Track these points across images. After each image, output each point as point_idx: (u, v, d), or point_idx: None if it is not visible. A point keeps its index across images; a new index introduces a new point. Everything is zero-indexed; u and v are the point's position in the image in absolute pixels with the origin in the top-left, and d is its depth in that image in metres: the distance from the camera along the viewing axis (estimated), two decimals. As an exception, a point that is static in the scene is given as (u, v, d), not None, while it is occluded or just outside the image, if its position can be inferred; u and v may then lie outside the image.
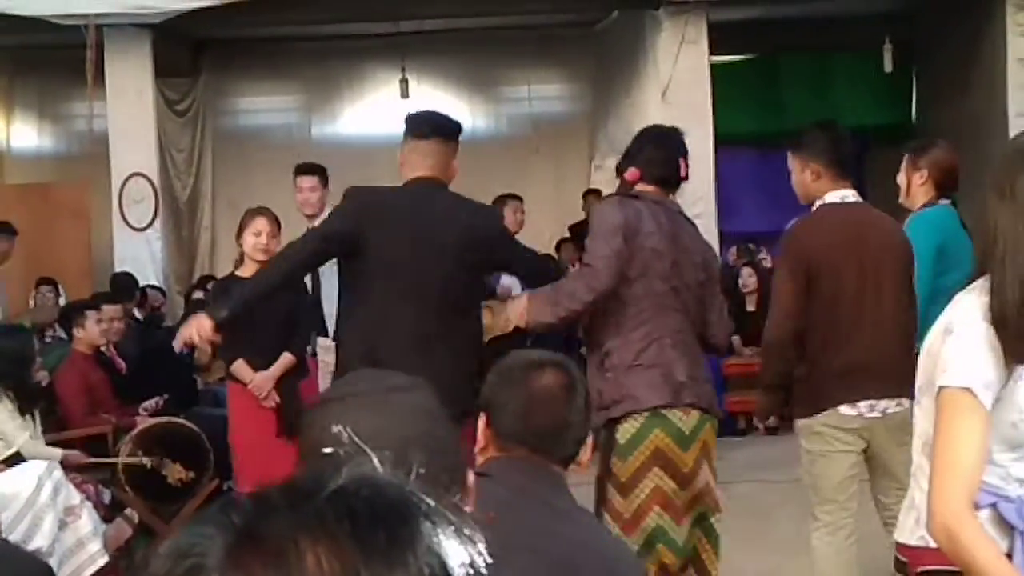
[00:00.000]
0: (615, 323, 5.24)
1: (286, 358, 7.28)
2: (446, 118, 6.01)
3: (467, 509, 1.84)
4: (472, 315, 5.40)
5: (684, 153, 5.74)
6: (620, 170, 5.65)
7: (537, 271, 5.86)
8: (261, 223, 7.64)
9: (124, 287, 10.98)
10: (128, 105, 12.77)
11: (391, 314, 5.20)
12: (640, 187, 5.51)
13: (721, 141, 13.41)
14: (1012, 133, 12.55)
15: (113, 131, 12.82)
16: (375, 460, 1.19)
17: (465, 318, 5.35)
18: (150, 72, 12.93)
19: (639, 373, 5.15)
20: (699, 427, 5.25)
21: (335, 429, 1.84)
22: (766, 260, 13.43)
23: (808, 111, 14.98)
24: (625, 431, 5.14)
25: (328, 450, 1.79)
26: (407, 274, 5.21)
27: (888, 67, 14.47)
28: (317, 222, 7.63)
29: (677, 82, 13.09)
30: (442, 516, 1.11)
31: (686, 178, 5.75)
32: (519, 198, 10.35)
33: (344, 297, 5.89)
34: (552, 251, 14.55)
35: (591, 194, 14.55)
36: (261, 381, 7.16)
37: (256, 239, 7.55)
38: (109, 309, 8.95)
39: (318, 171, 8.71)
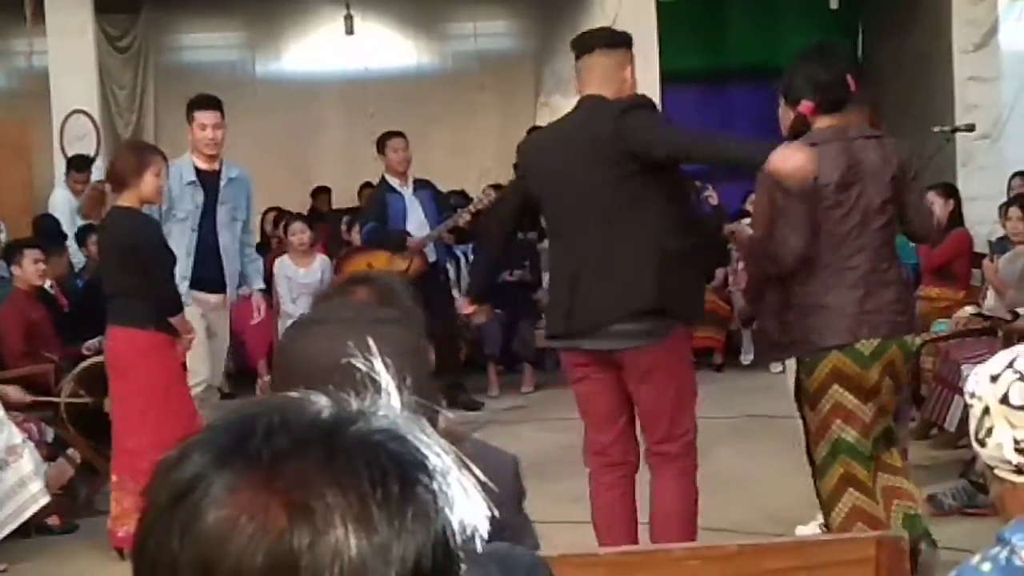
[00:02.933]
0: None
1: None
2: (611, 29, 5.85)
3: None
4: (651, 209, 5.16)
5: (852, 67, 5.56)
6: (788, 99, 5.46)
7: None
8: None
9: (45, 231, 10.76)
10: (68, 42, 12.60)
11: (575, 242, 5.25)
12: (817, 121, 5.36)
13: (667, 78, 13.37)
14: (957, 68, 12.67)
15: (53, 68, 12.66)
16: (391, 387, 1.16)
17: (642, 215, 5.15)
18: (90, 8, 12.76)
19: (819, 314, 5.24)
20: (883, 349, 5.30)
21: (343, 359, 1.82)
22: (712, 198, 13.41)
23: (754, 48, 15.02)
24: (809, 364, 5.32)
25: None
26: (572, 198, 5.21)
27: (834, 3, 14.45)
28: (217, 164, 7.79)
29: (622, 19, 13.02)
30: (454, 473, 1.10)
31: (858, 92, 5.46)
32: (401, 135, 10.24)
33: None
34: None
35: (536, 131, 14.52)
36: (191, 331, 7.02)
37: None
38: (30, 253, 8.77)
39: (221, 105, 8.00)
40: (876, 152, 5.30)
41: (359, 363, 1.49)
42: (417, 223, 9.96)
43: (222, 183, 7.84)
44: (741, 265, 11.82)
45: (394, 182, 10.05)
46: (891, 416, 5.53)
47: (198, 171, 7.80)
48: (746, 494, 7.29)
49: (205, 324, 7.63)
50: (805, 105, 5.33)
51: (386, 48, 15.55)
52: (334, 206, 14.49)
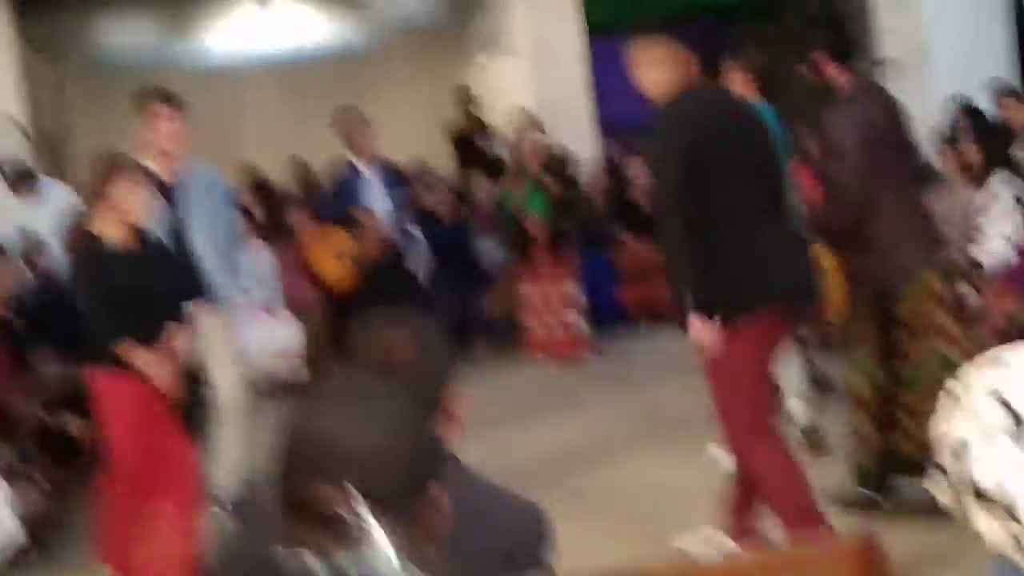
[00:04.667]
0: None
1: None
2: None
3: (433, 519, 1.90)
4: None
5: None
6: (807, 60, 5.81)
7: None
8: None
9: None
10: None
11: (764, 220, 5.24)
12: (831, 71, 5.71)
13: (591, 32, 13.38)
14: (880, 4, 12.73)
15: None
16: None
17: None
18: (8, 13, 12.58)
19: None
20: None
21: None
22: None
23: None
24: None
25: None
26: (747, 177, 5.20)
27: (748, -58, 14.53)
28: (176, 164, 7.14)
29: (542, -26, 13.07)
30: None
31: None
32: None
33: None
34: (430, 152, 14.50)
35: (460, 91, 14.56)
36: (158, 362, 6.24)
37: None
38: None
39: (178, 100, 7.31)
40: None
41: (345, 513, 1.54)
42: (377, 202, 9.92)
43: (204, 183, 7.29)
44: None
45: (356, 161, 9.99)
46: None
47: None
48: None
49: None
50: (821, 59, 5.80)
51: (306, 25, 15.47)
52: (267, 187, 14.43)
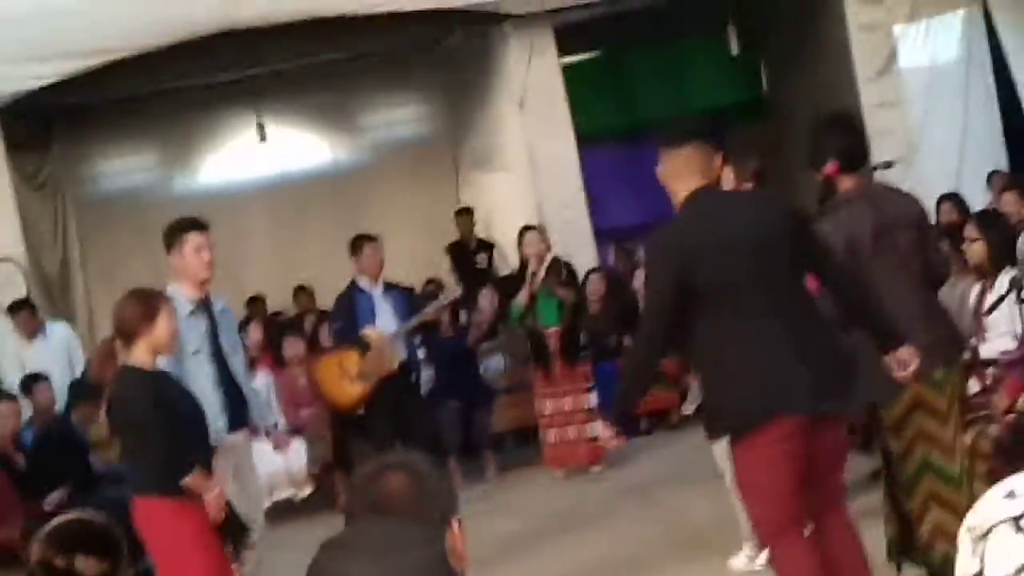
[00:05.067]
0: None
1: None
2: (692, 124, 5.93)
3: None
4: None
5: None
6: (814, 166, 5.92)
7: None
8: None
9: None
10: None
11: (760, 331, 5.18)
12: (840, 179, 5.80)
13: (584, 141, 13.51)
14: (862, 96, 12.87)
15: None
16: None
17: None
18: (1, 151, 12.68)
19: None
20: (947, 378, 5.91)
21: None
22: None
23: (662, 100, 15.20)
24: None
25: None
26: (747, 287, 5.16)
27: (734, 49, 14.70)
28: (205, 292, 7.20)
29: (531, 91, 13.19)
30: None
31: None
32: (376, 238, 10.26)
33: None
34: (429, 270, 14.55)
35: (462, 212, 14.61)
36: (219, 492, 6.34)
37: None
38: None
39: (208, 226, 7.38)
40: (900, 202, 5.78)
41: None
42: (387, 323, 9.97)
43: (216, 310, 7.28)
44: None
45: (364, 283, 10.04)
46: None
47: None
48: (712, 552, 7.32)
49: (232, 467, 7.05)
50: (831, 166, 5.84)
51: (301, 149, 15.60)
52: (269, 312, 14.48)
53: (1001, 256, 7.56)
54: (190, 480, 6.06)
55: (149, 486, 6.10)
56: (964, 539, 1.90)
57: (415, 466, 2.71)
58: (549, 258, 10.57)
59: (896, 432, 5.89)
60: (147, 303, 6.18)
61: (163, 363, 6.52)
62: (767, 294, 5.12)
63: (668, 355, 7.82)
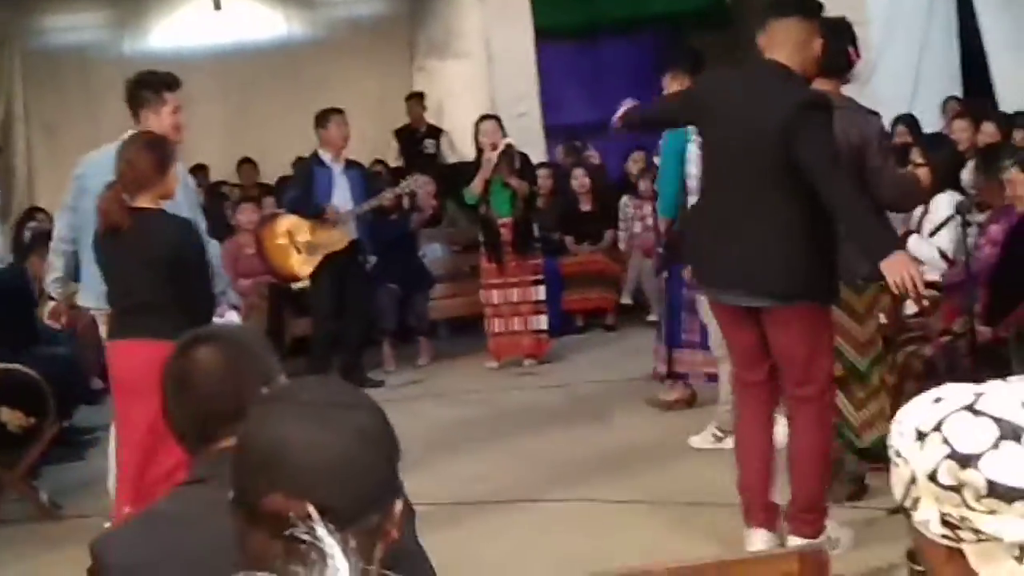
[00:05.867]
0: None
1: None
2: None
3: (392, 535, 1.85)
4: (791, 197, 5.30)
5: (852, 40, 6.17)
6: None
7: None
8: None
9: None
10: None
11: (721, 199, 5.49)
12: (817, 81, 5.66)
13: (541, 34, 13.39)
14: (827, 11, 12.81)
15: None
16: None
17: (782, 200, 5.33)
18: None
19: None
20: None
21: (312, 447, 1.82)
22: (593, 157, 13.51)
23: (625, 1, 15.07)
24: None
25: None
26: (723, 156, 5.46)
27: (700, -46, 14.58)
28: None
29: (493, -22, 13.06)
30: None
31: (853, 65, 6.14)
32: (341, 111, 10.19)
33: None
34: (377, 153, 14.47)
35: (414, 97, 14.48)
36: None
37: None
38: None
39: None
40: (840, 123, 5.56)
41: (303, 534, 1.50)
42: (343, 200, 9.92)
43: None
44: (638, 227, 11.96)
45: (326, 157, 9.99)
46: None
47: None
48: (649, 466, 7.35)
49: None
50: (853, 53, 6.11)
51: (255, 20, 15.37)
52: (211, 182, 14.35)
53: (943, 181, 7.60)
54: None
55: (180, 332, 5.87)
56: (903, 438, 1.87)
57: (227, 335, 2.66)
58: (503, 145, 10.44)
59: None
60: (162, 152, 5.89)
61: None
62: (731, 174, 5.40)
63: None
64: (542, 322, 10.60)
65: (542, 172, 12.23)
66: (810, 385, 5.49)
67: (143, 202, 5.82)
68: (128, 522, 2.58)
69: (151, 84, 6.71)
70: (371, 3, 16.02)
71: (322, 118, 10.06)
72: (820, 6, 5.54)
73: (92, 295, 6.56)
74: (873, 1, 13.00)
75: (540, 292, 10.60)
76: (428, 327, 11.45)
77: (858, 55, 6.16)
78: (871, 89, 12.47)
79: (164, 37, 15.23)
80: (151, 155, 5.84)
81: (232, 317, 10.51)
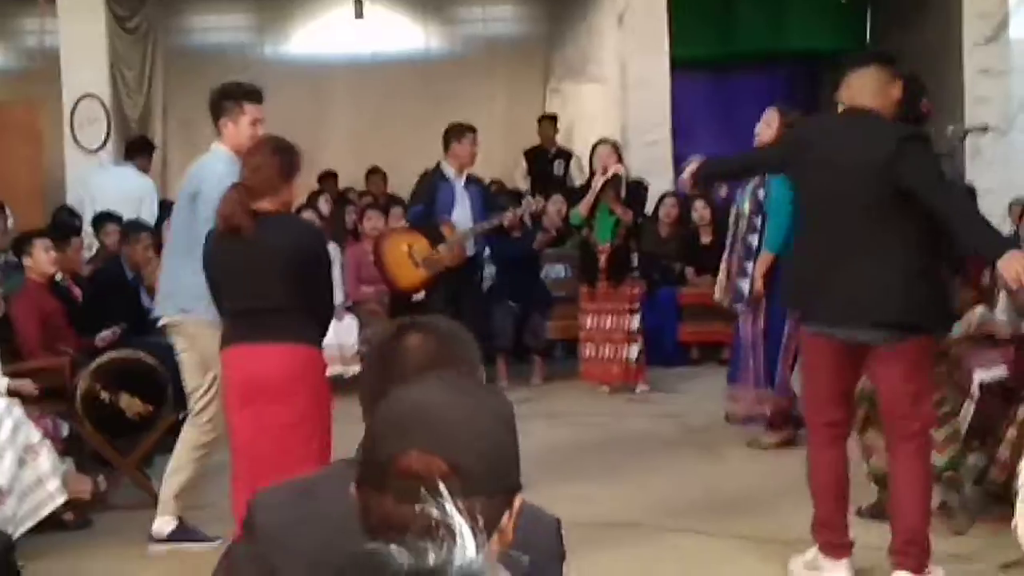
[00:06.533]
0: None
1: None
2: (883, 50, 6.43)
3: (508, 533, 1.86)
4: (902, 227, 5.54)
5: (923, 92, 6.60)
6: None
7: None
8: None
9: (60, 224, 10.77)
10: (80, 25, 12.65)
11: (830, 235, 5.65)
12: None
13: (676, 64, 13.37)
14: (967, 62, 12.67)
15: (65, 50, 12.72)
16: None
17: (894, 234, 5.55)
18: (102, -11, 12.79)
19: None
20: None
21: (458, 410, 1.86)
22: (721, 189, 13.43)
23: (763, 35, 15.01)
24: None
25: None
26: (827, 195, 5.62)
27: (844, -8, 14.48)
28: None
29: (634, 7, 13.07)
30: None
31: (927, 116, 6.54)
32: (475, 129, 10.22)
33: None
34: (504, 172, 14.53)
35: (546, 119, 14.52)
36: None
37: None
38: (40, 242, 8.67)
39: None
40: None
41: (434, 511, 1.51)
42: (463, 215, 9.96)
43: None
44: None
45: (450, 172, 9.99)
46: None
47: None
48: (754, 503, 7.29)
49: None
50: (925, 104, 6.47)
51: (395, 32, 15.54)
52: (339, 188, 14.50)
53: None
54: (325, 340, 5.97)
55: (313, 337, 5.83)
56: None
57: (438, 326, 2.68)
58: (611, 172, 10.40)
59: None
60: (288, 158, 5.84)
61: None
62: (840, 213, 5.57)
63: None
64: (634, 351, 10.53)
65: (668, 201, 12.19)
66: (916, 421, 5.61)
67: (266, 206, 5.75)
68: (284, 485, 2.63)
69: (232, 94, 6.68)
70: (510, 23, 16.13)
71: (457, 132, 10.05)
72: (893, 58, 5.89)
73: (172, 304, 6.66)
74: (1017, 51, 12.83)
75: (635, 321, 10.51)
76: (544, 346, 11.45)
77: (930, 107, 6.48)
78: (1008, 140, 12.34)
79: (304, 43, 15.48)
80: (278, 161, 5.78)
81: (347, 322, 10.68)
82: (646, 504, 7.26)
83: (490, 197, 10.73)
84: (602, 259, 10.43)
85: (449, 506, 1.53)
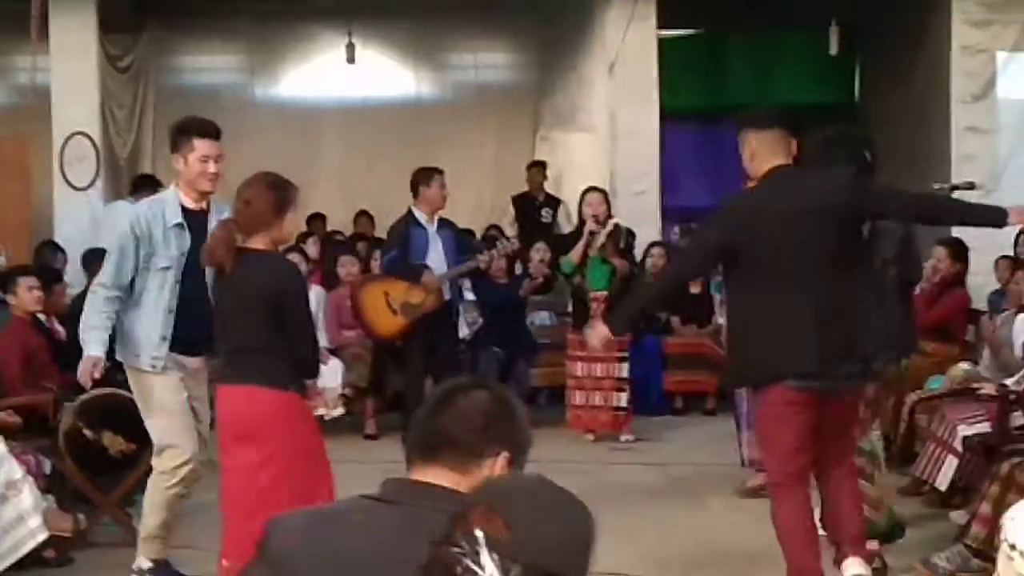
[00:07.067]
0: None
1: None
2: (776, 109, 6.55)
3: None
4: (863, 262, 5.91)
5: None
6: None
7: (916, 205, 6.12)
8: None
9: (44, 265, 10.74)
10: (72, 61, 12.70)
11: (807, 291, 5.70)
12: None
13: (665, 116, 13.43)
14: (954, 119, 12.74)
15: (56, 87, 12.75)
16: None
17: (855, 274, 5.82)
18: (95, 29, 12.86)
19: None
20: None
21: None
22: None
23: (752, 88, 15.11)
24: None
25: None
26: (792, 262, 5.69)
27: (833, 49, 14.55)
28: (206, 203, 6.50)
29: (624, 57, 13.12)
30: None
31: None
32: (442, 171, 10.24)
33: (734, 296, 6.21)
34: (493, 219, 14.59)
35: (535, 166, 14.57)
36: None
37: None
38: (24, 281, 8.66)
39: (220, 134, 6.59)
40: None
41: (466, 558, 1.57)
42: (437, 260, 9.99)
43: (211, 224, 6.34)
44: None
45: (422, 217, 10.04)
46: None
47: (185, 211, 6.48)
48: (740, 555, 7.28)
49: (184, 392, 6.54)
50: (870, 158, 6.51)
51: (386, 76, 15.60)
52: (327, 231, 14.52)
53: None
54: (312, 382, 5.87)
55: (284, 379, 5.69)
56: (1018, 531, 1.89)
57: (507, 397, 2.71)
58: (611, 224, 10.46)
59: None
60: (282, 194, 5.73)
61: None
62: (811, 266, 5.65)
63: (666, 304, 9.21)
64: (622, 399, 10.55)
65: (656, 251, 12.23)
66: (851, 455, 6.10)
67: (256, 243, 5.70)
68: (303, 512, 2.66)
69: (185, 129, 6.51)
70: (501, 71, 16.21)
71: (425, 176, 10.08)
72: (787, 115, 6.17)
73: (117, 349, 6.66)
74: (1005, 110, 12.91)
75: (624, 369, 10.52)
76: (527, 393, 11.45)
77: (874, 161, 6.51)
78: (994, 198, 12.38)
79: (295, 85, 15.54)
80: (270, 195, 5.69)
81: (332, 364, 10.66)
82: (632, 555, 7.24)
83: (464, 242, 10.75)
84: (595, 307, 10.43)
85: (484, 555, 1.62)
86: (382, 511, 2.48)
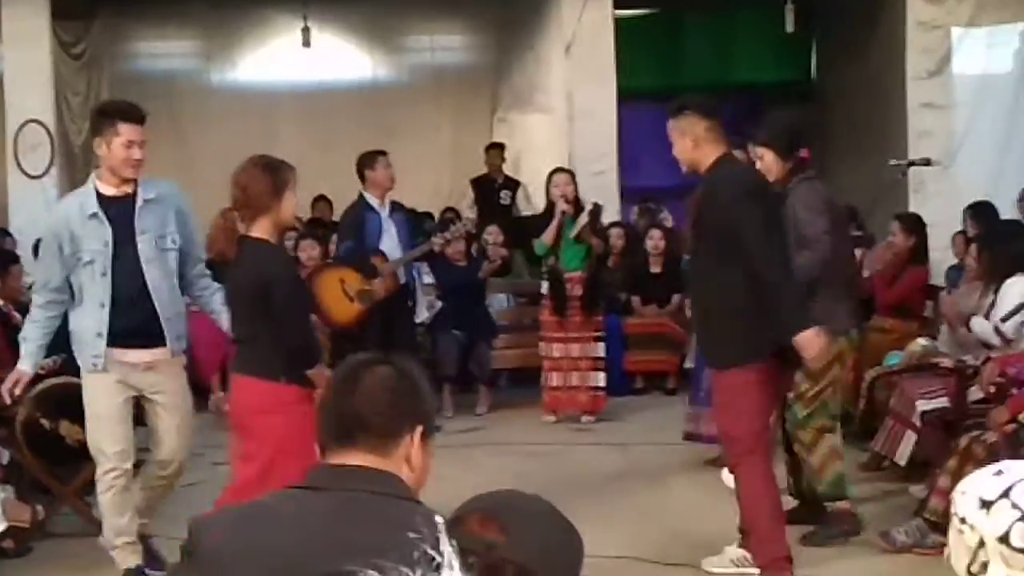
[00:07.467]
0: None
1: None
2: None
3: None
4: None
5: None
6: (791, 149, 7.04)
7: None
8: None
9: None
10: (24, 48, 12.59)
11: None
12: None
13: (622, 96, 13.42)
14: (910, 96, 12.77)
15: (9, 75, 12.67)
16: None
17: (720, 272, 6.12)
18: (47, 17, 12.74)
19: None
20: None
21: None
22: (667, 220, 13.49)
23: (709, 67, 15.12)
24: None
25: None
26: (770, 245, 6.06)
27: (789, 27, 14.53)
28: (130, 187, 6.19)
29: (581, 37, 13.10)
30: None
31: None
32: (385, 153, 10.21)
33: None
34: (452, 202, 14.57)
35: (494, 148, 14.54)
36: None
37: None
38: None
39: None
40: None
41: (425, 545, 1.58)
42: (391, 244, 9.96)
43: (137, 207, 6.18)
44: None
45: (374, 201, 10.00)
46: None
47: (103, 199, 6.20)
48: (704, 523, 7.30)
49: (124, 392, 6.32)
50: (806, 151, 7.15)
51: (342, 60, 15.55)
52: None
53: (1016, 267, 7.78)
54: (315, 371, 5.66)
55: (275, 370, 5.62)
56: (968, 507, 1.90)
57: (409, 370, 2.69)
58: (591, 204, 10.47)
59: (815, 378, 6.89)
60: (278, 175, 5.65)
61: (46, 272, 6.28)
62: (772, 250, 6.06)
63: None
64: (600, 379, 10.57)
65: (615, 232, 12.22)
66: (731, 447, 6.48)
67: (258, 230, 5.62)
68: (230, 509, 2.64)
69: (108, 112, 6.30)
70: (457, 52, 16.17)
71: (368, 160, 10.06)
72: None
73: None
74: (960, 86, 12.94)
75: (600, 349, 10.56)
76: (489, 376, 11.43)
77: (808, 154, 7.26)
78: (951, 174, 12.44)
79: (251, 70, 15.47)
80: (265, 178, 5.60)
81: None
82: (596, 537, 7.23)
83: (416, 225, 10.72)
84: (573, 287, 10.42)
85: (444, 543, 1.70)
86: (312, 500, 2.46)
